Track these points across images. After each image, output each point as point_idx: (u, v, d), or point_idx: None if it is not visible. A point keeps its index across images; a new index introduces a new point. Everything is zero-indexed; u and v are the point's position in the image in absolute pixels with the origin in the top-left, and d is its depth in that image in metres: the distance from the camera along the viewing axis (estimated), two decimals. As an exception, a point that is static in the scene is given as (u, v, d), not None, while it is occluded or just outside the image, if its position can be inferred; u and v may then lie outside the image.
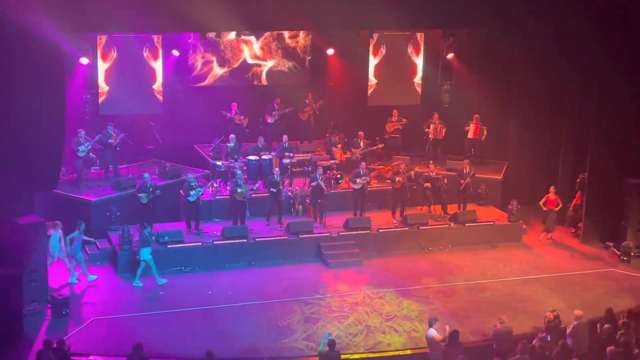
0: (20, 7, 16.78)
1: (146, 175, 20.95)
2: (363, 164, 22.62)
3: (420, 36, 25.54)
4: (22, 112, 17.31)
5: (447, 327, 15.58)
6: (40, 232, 17.98)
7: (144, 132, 23.53)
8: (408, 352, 17.02)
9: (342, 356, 15.83)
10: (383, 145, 24.49)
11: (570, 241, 23.17)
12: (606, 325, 15.63)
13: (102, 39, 22.56)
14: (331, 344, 15.12)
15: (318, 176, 21.75)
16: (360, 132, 24.11)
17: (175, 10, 18.95)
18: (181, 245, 20.44)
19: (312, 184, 21.90)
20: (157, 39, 23.19)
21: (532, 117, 24.37)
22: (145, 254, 19.31)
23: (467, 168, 22.98)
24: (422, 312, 18.67)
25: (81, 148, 21.66)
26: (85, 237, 19.44)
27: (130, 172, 22.83)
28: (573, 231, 23.43)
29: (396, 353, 17.03)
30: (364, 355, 16.96)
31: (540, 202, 22.73)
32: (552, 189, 22.61)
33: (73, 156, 21.67)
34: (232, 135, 23.00)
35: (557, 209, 22.62)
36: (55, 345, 14.74)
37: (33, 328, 17.18)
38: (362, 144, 23.98)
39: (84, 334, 17.13)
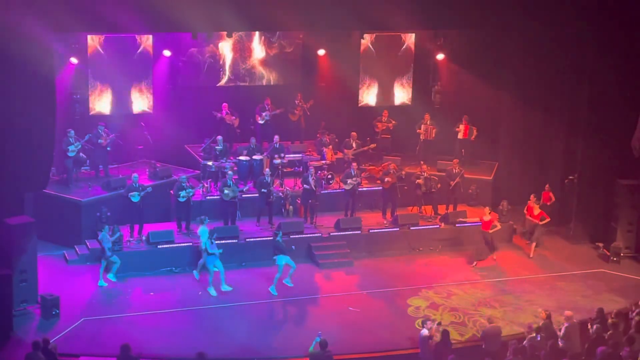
0: (10, 7, 16.74)
1: (135, 175, 20.89)
2: (354, 164, 22.63)
3: (411, 37, 25.57)
4: (11, 112, 17.25)
5: (436, 326, 15.75)
6: (30, 233, 17.91)
7: (134, 132, 23.49)
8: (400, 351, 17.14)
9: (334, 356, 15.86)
10: (375, 145, 24.52)
11: (560, 241, 23.22)
12: (596, 326, 15.69)
13: (93, 39, 22.50)
14: (323, 344, 15.10)
15: (309, 176, 21.74)
16: (352, 133, 24.12)
17: (166, 11, 18.91)
18: (171, 245, 20.42)
19: (304, 186, 21.89)
20: (148, 39, 23.15)
21: (522, 118, 24.39)
22: (282, 260, 19.24)
23: (457, 168, 23.00)
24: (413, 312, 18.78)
25: (71, 148, 21.57)
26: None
27: (120, 172, 22.75)
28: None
29: (390, 353, 17.07)
30: (357, 356, 16.99)
31: (480, 219, 21.64)
32: (486, 209, 21.44)
33: (63, 156, 21.60)
34: (219, 137, 22.93)
35: (491, 231, 21.26)
36: (42, 346, 14.68)
37: (23, 328, 17.13)
38: (354, 145, 23.99)
39: (74, 335, 17.09)
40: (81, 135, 22.00)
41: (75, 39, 21.93)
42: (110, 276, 19.42)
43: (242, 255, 20.79)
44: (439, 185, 22.78)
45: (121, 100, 23.35)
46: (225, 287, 19.23)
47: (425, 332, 15.60)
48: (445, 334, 15.72)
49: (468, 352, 16.28)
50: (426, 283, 20.27)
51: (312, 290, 19.66)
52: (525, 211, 22.32)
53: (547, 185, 22.87)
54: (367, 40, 25.05)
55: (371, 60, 25.55)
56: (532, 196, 22.20)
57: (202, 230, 19.53)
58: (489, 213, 21.32)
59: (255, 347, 16.98)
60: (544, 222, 21.96)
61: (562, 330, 15.90)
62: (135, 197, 20.46)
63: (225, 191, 21.07)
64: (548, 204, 22.62)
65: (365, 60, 25.52)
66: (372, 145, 24.39)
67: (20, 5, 16.86)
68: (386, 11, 20.23)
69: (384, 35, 25.19)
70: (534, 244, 22.03)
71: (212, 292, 19.09)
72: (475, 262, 21.23)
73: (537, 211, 21.91)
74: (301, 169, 23.02)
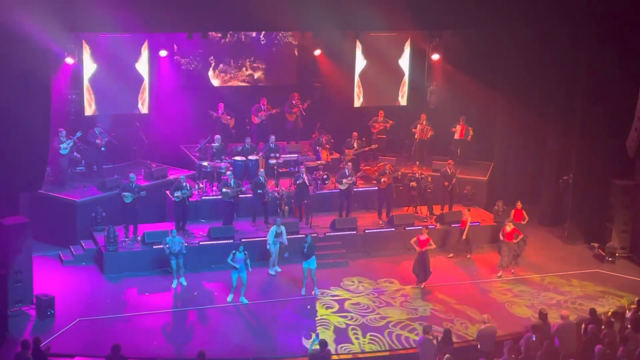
0: (6, 6, 16.71)
1: (132, 175, 20.86)
2: (349, 164, 22.64)
3: (406, 37, 25.59)
4: (6, 112, 17.21)
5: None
6: (25, 233, 17.87)
7: (129, 132, 23.48)
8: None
9: (333, 356, 15.87)
10: (377, 145, 24.54)
11: (555, 241, 23.26)
12: (590, 325, 15.73)
13: (89, 39, 22.46)
14: (322, 344, 15.12)
15: (302, 174, 21.75)
16: (354, 133, 24.14)
17: (161, 10, 18.91)
18: (167, 246, 20.37)
19: (297, 182, 21.90)
20: (144, 39, 23.12)
21: (517, 118, 24.45)
22: (312, 263, 19.18)
23: (451, 169, 23.00)
24: (408, 314, 18.79)
25: (62, 146, 21.52)
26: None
27: (116, 172, 22.73)
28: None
29: (386, 354, 17.08)
30: (355, 356, 16.98)
31: (412, 241, 20.17)
32: (424, 230, 20.16)
33: (58, 156, 21.56)
34: (217, 136, 22.96)
35: (430, 248, 19.93)
36: (32, 346, 14.64)
37: (18, 329, 17.09)
38: (355, 145, 24.00)
39: (69, 335, 17.07)
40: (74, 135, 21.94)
41: (71, 39, 21.88)
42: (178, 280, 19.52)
43: (238, 255, 20.78)
44: (431, 183, 22.76)
45: (116, 101, 23.30)
46: (244, 300, 18.99)
47: (425, 337, 15.53)
48: (446, 332, 15.74)
49: (463, 353, 16.28)
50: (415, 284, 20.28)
51: (308, 290, 19.62)
52: (500, 235, 20.76)
53: (518, 203, 21.65)
54: (363, 40, 25.07)
55: (366, 61, 25.58)
56: (507, 221, 21.00)
57: (282, 230, 20.06)
58: (426, 232, 20.04)
59: (251, 347, 16.97)
60: (517, 239, 20.69)
61: (556, 329, 15.92)
62: (127, 198, 20.42)
63: (224, 190, 21.06)
64: (523, 223, 21.41)
65: (360, 60, 25.55)
66: (374, 146, 24.45)
67: (16, 5, 16.81)
68: (382, 12, 20.24)
69: (380, 35, 25.20)
70: (501, 271, 20.69)
71: (243, 300, 18.95)
72: (423, 284, 19.99)
73: (509, 228, 20.58)
74: (296, 170, 23.03)
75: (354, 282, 20.00)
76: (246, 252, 18.64)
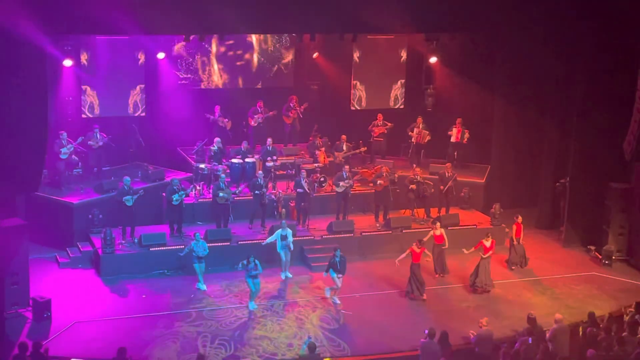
0: (3, 8, 16.69)
1: (126, 178, 20.81)
2: (346, 167, 22.65)
3: (404, 40, 25.60)
4: (3, 113, 17.19)
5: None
6: (21, 235, 17.84)
7: (126, 134, 23.47)
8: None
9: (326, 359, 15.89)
10: (366, 148, 24.54)
11: (552, 245, 23.29)
12: (589, 329, 15.73)
13: (86, 41, 22.44)
14: (311, 347, 15.12)
15: (302, 180, 21.73)
16: (342, 136, 24.16)
17: (160, 13, 18.90)
18: (164, 248, 20.38)
19: (297, 190, 21.86)
20: (141, 41, 23.10)
21: (515, 121, 24.49)
22: (333, 274, 18.93)
23: (449, 172, 23.01)
24: (404, 315, 18.77)
25: (63, 150, 21.55)
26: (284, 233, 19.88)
27: (113, 175, 22.72)
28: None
29: (386, 356, 17.09)
30: (352, 359, 16.96)
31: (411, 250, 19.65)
32: (415, 244, 19.38)
33: (55, 158, 21.54)
34: (217, 139, 22.96)
35: (427, 258, 19.75)
36: (31, 349, 14.61)
37: (14, 331, 17.06)
38: (344, 147, 24.02)
39: (65, 338, 17.04)
40: (73, 137, 21.98)
41: (68, 41, 21.87)
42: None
43: (234, 258, 20.68)
44: (432, 190, 22.78)
45: (114, 103, 23.29)
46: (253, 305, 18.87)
47: (427, 340, 15.50)
48: (443, 335, 15.72)
49: (460, 356, 16.28)
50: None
51: (304, 293, 19.63)
52: (482, 253, 19.88)
53: (519, 217, 21.24)
54: (360, 43, 25.08)
55: (363, 63, 25.58)
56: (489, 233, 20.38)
57: (287, 233, 19.97)
58: (418, 246, 19.31)
59: (245, 350, 16.95)
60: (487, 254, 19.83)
61: (550, 333, 15.91)
62: (129, 201, 20.39)
63: (220, 194, 21.05)
64: (520, 238, 21.17)
65: (358, 63, 25.57)
66: (363, 149, 24.43)
67: (13, 7, 16.79)
68: (379, 14, 20.25)
69: (377, 38, 25.21)
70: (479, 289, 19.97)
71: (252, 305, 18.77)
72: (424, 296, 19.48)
73: (488, 243, 19.81)
74: (294, 172, 23.03)
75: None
76: (256, 262, 18.44)
